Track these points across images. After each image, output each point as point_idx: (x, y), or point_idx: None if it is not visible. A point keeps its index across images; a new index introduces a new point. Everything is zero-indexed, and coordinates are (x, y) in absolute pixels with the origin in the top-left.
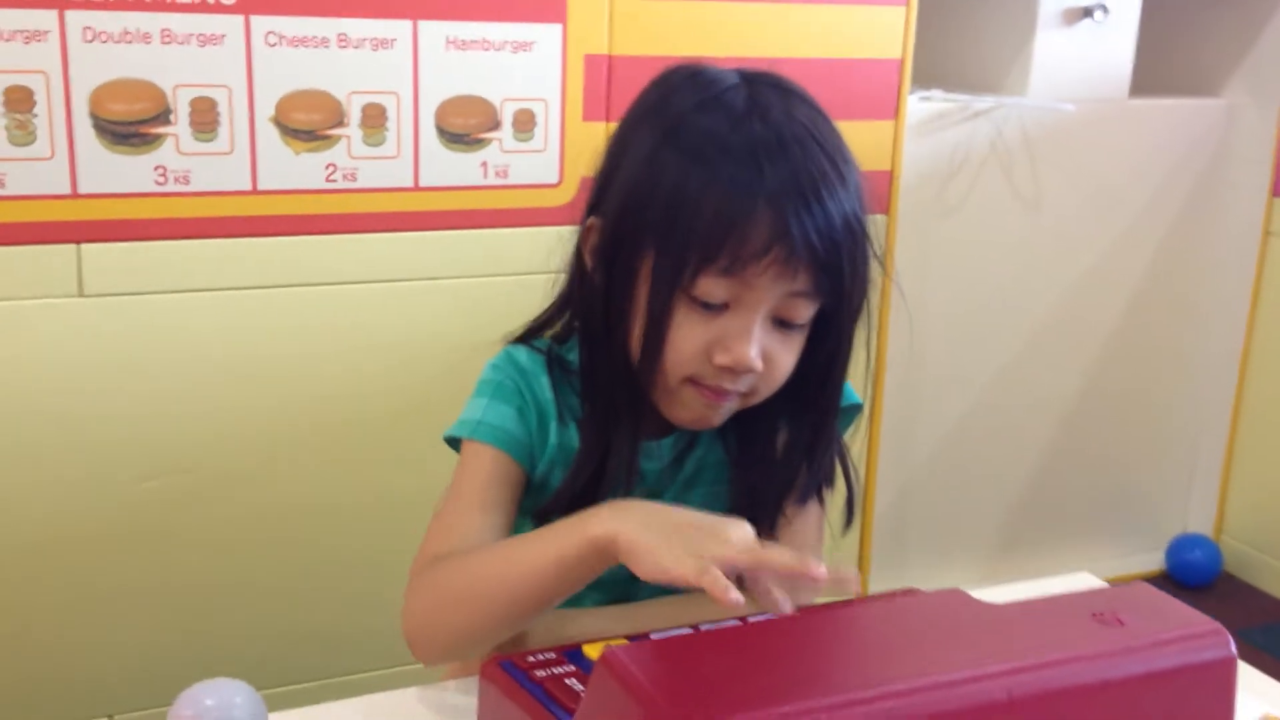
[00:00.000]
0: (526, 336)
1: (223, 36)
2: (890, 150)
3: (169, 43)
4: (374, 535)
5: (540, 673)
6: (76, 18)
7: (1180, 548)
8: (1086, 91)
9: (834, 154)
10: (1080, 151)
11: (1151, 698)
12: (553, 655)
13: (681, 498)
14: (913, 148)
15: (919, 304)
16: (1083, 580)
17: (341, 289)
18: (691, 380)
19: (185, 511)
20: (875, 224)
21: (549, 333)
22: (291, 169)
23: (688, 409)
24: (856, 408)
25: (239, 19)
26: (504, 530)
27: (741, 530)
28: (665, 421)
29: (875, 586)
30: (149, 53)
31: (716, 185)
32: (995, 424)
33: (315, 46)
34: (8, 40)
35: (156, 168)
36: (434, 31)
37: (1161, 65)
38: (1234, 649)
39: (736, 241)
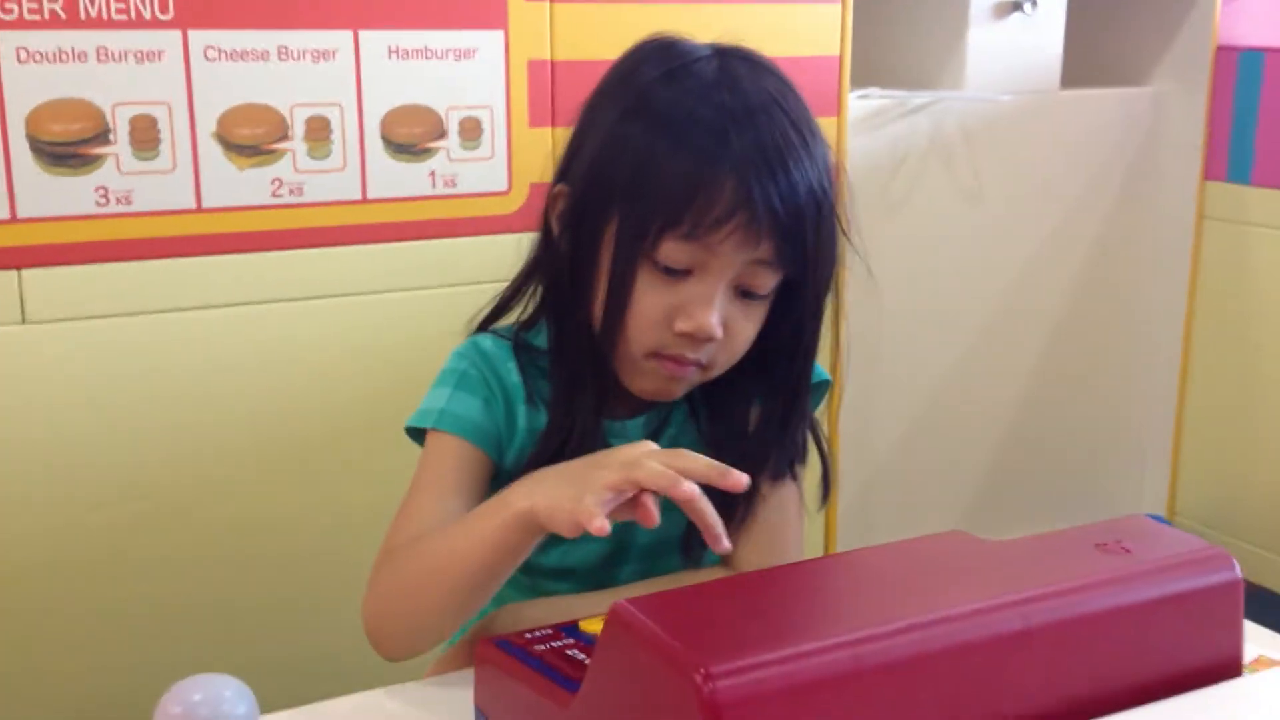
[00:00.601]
0: (491, 319)
1: (161, 53)
2: (832, 147)
3: (105, 60)
4: (333, 552)
5: (540, 647)
6: (9, 38)
7: None
8: (1019, 84)
9: (800, 124)
10: (1017, 143)
11: (1166, 620)
12: (549, 631)
13: None
14: (854, 144)
15: (867, 299)
16: None
17: (291, 305)
18: (653, 352)
19: (139, 537)
20: (843, 199)
21: (516, 317)
22: (236, 185)
23: (648, 379)
24: (826, 384)
25: (176, 34)
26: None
27: (631, 451)
28: (636, 402)
29: None
30: (85, 71)
31: (682, 151)
32: (949, 413)
33: (255, 60)
34: None
35: (98, 189)
36: (375, 41)
37: (1090, 56)
38: (1239, 571)
39: (700, 207)
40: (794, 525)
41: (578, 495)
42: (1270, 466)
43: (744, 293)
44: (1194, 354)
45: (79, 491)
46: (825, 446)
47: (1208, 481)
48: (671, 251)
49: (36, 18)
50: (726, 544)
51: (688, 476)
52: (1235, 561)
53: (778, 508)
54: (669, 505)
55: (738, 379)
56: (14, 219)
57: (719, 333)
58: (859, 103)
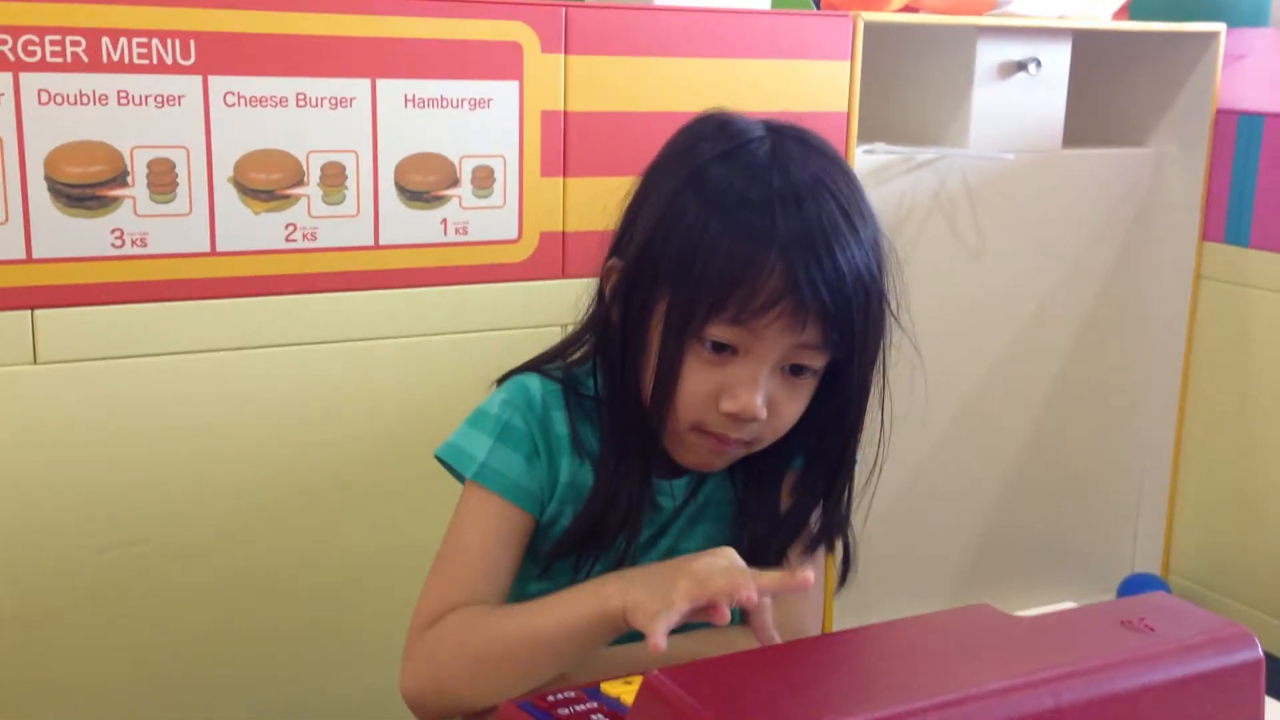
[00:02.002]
0: (538, 363)
1: (181, 97)
2: None
3: (125, 104)
4: (338, 601)
5: (564, 710)
6: (31, 80)
7: (1130, 587)
8: (1022, 143)
9: (848, 207)
10: (1018, 201)
11: (1192, 699)
12: (572, 694)
13: (686, 532)
14: None
15: None
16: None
17: (302, 349)
18: (697, 427)
19: (145, 580)
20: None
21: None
22: (251, 229)
23: (693, 453)
24: None
25: (197, 79)
26: (508, 586)
27: (713, 563)
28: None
29: (838, 624)
30: (105, 114)
31: (731, 233)
32: (947, 469)
33: (274, 106)
34: None
35: (113, 230)
36: (392, 90)
37: (1092, 116)
38: (1260, 651)
39: (746, 292)
40: (815, 594)
41: (658, 601)
42: (1265, 527)
43: (791, 369)
44: (1190, 412)
45: (85, 532)
46: (850, 531)
47: (1202, 541)
48: (719, 331)
49: (59, 60)
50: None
51: (761, 589)
52: (1256, 640)
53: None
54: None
55: (779, 449)
56: (29, 259)
57: (763, 414)
58: (865, 158)
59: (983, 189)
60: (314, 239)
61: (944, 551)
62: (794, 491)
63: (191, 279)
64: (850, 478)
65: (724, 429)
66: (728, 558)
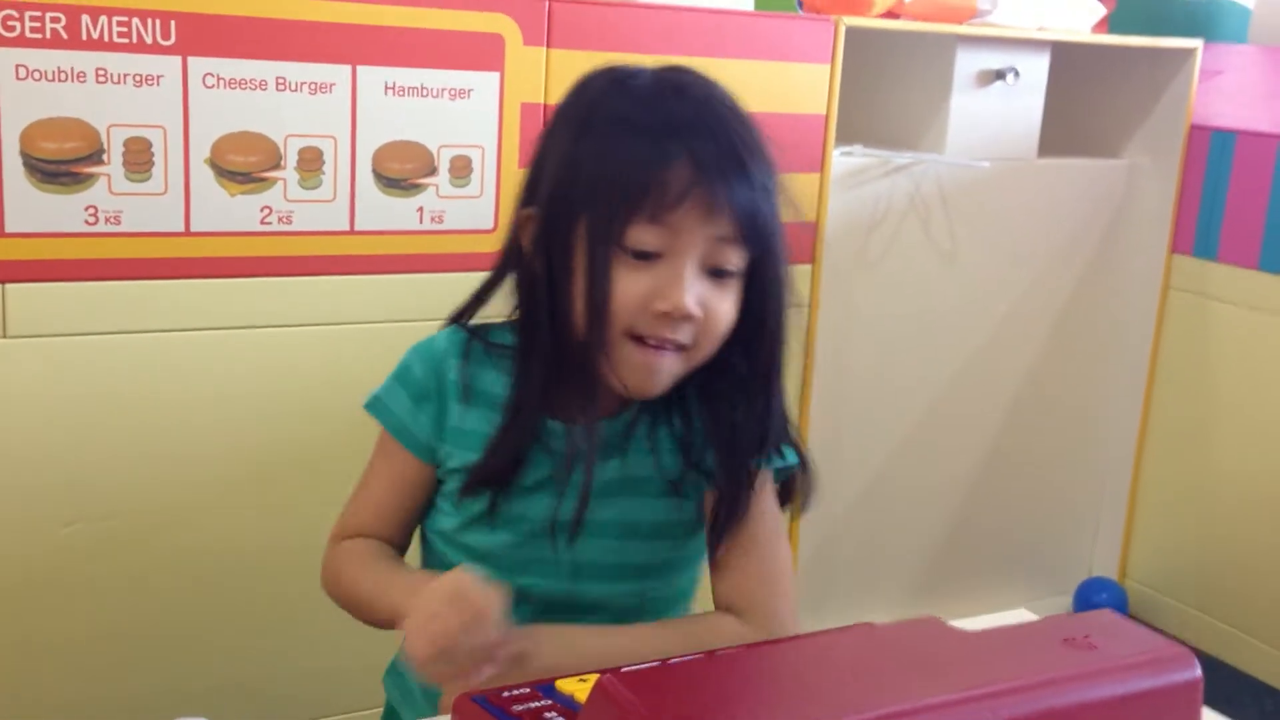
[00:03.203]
0: (455, 317)
1: (160, 77)
2: (815, 203)
3: (104, 82)
4: (300, 579)
5: (519, 707)
6: (9, 55)
7: (1087, 590)
8: (998, 150)
9: (740, 113)
10: (993, 207)
11: (1130, 716)
12: (526, 690)
13: (605, 467)
14: (835, 201)
15: (840, 352)
16: (1019, 616)
17: (274, 332)
18: (632, 336)
19: (110, 555)
20: (797, 273)
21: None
22: (226, 211)
23: (630, 370)
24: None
25: (177, 60)
26: (399, 521)
27: (426, 610)
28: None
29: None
30: (83, 91)
31: (635, 140)
32: (912, 470)
33: (253, 89)
34: None
35: (87, 208)
36: (373, 77)
37: (1068, 127)
38: (1199, 671)
39: (658, 189)
40: (782, 573)
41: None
42: (1222, 534)
43: (714, 272)
44: (1152, 420)
45: (52, 507)
46: (807, 455)
47: (1159, 545)
48: (639, 235)
49: (38, 36)
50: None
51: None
52: (1196, 661)
53: (769, 558)
54: (629, 534)
55: (718, 371)
56: (2, 234)
57: (695, 310)
58: (841, 160)
59: (957, 195)
60: (289, 222)
61: (906, 551)
62: (737, 406)
63: (165, 258)
64: (781, 381)
65: (658, 330)
66: (446, 595)
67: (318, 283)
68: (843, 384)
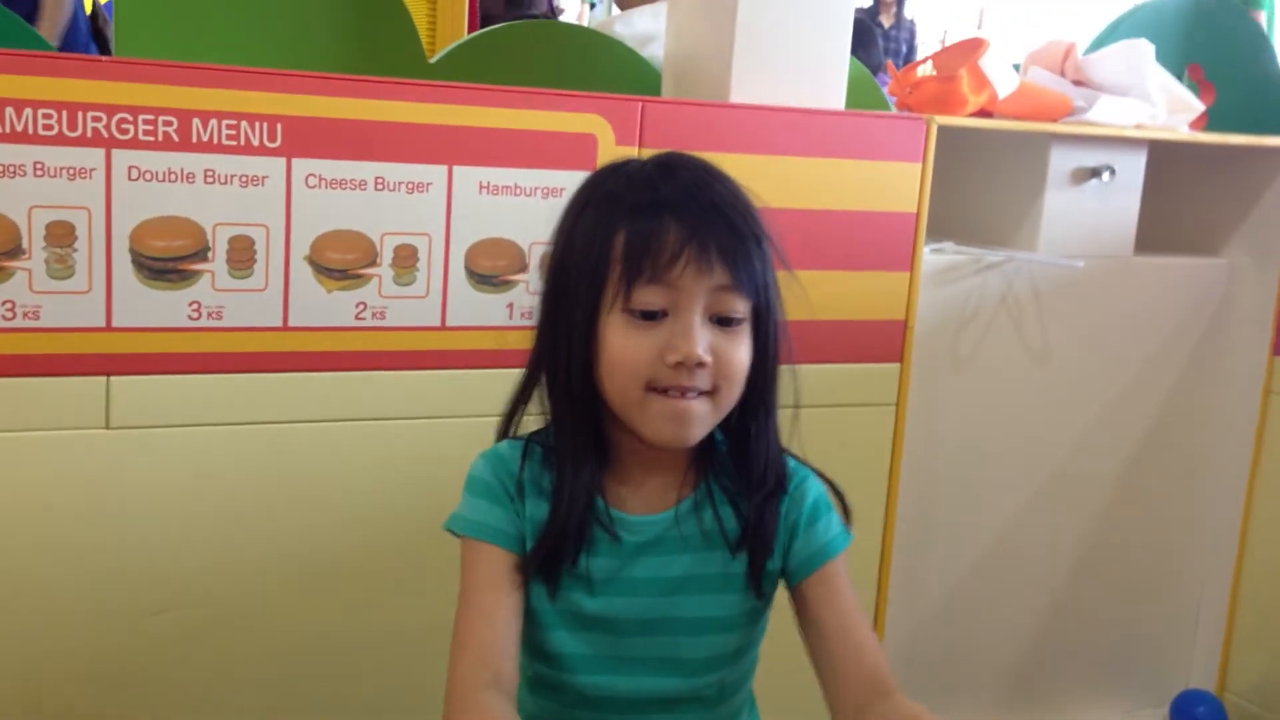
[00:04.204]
0: (507, 422)
1: (265, 178)
2: (905, 301)
3: (212, 182)
4: (392, 669)
5: None
6: (122, 156)
7: (1184, 703)
8: (1093, 248)
9: (728, 186)
10: (1086, 306)
11: None
12: None
13: (660, 561)
14: (925, 299)
15: (930, 452)
16: None
17: (367, 425)
18: (652, 388)
19: (197, 646)
20: (885, 372)
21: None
22: (323, 306)
23: (660, 418)
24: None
25: (281, 161)
26: (508, 621)
27: None
28: (649, 500)
29: None
30: (191, 192)
31: (629, 218)
32: (1002, 574)
33: (353, 189)
34: (53, 177)
35: (191, 303)
36: (468, 176)
37: (1165, 224)
38: None
39: (654, 253)
40: (848, 591)
41: None
42: None
43: (720, 321)
44: (1253, 529)
45: (142, 595)
46: (832, 482)
47: (1261, 658)
48: (643, 296)
49: (150, 139)
50: None
51: None
52: None
53: (838, 591)
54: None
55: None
56: (109, 328)
57: (705, 355)
58: (932, 257)
59: (1051, 293)
60: (383, 318)
61: (994, 658)
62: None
63: (264, 352)
64: (773, 414)
65: (676, 380)
66: None
67: (410, 377)
68: (930, 485)
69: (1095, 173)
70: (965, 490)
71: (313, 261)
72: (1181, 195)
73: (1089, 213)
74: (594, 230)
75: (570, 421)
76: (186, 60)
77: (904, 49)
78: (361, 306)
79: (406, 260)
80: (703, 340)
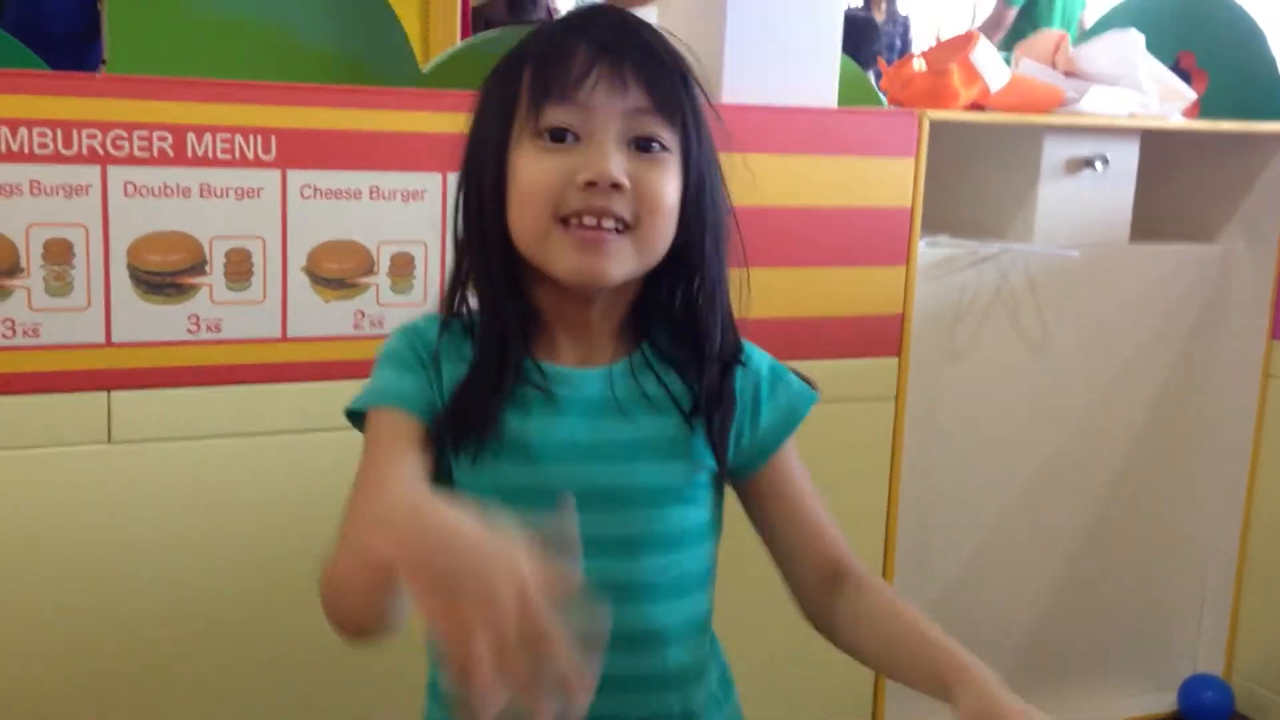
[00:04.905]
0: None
1: (260, 190)
2: (901, 295)
3: (208, 196)
4: (397, 679)
5: None
6: (118, 173)
7: (1192, 688)
8: (1088, 237)
9: (648, 24)
10: (1083, 295)
11: None
12: None
13: (604, 425)
14: (922, 292)
15: (930, 444)
16: None
17: None
18: (562, 216)
19: (199, 658)
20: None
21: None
22: (321, 317)
23: (569, 253)
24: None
25: (276, 173)
26: (420, 468)
27: (511, 585)
28: (581, 357)
29: (890, 711)
30: (187, 206)
31: (539, 41)
32: (1006, 563)
33: (348, 199)
34: (50, 195)
35: (190, 316)
36: None
37: (1160, 212)
38: None
39: (561, 71)
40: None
41: (449, 624)
42: None
43: (640, 145)
44: (1256, 509)
45: (146, 607)
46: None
47: (1267, 641)
48: (551, 116)
49: (146, 155)
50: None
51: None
52: None
53: (801, 472)
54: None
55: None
56: (108, 343)
57: (620, 178)
58: (928, 250)
59: (1047, 283)
60: (382, 326)
61: (1000, 647)
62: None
63: (263, 363)
64: (723, 276)
65: (589, 203)
66: (514, 583)
67: None
68: (931, 477)
69: (1089, 162)
70: (966, 481)
71: (310, 272)
72: (1176, 182)
73: (1083, 202)
74: (502, 69)
75: (488, 272)
76: (179, 75)
77: (897, 43)
78: (360, 315)
79: (403, 268)
80: (617, 161)
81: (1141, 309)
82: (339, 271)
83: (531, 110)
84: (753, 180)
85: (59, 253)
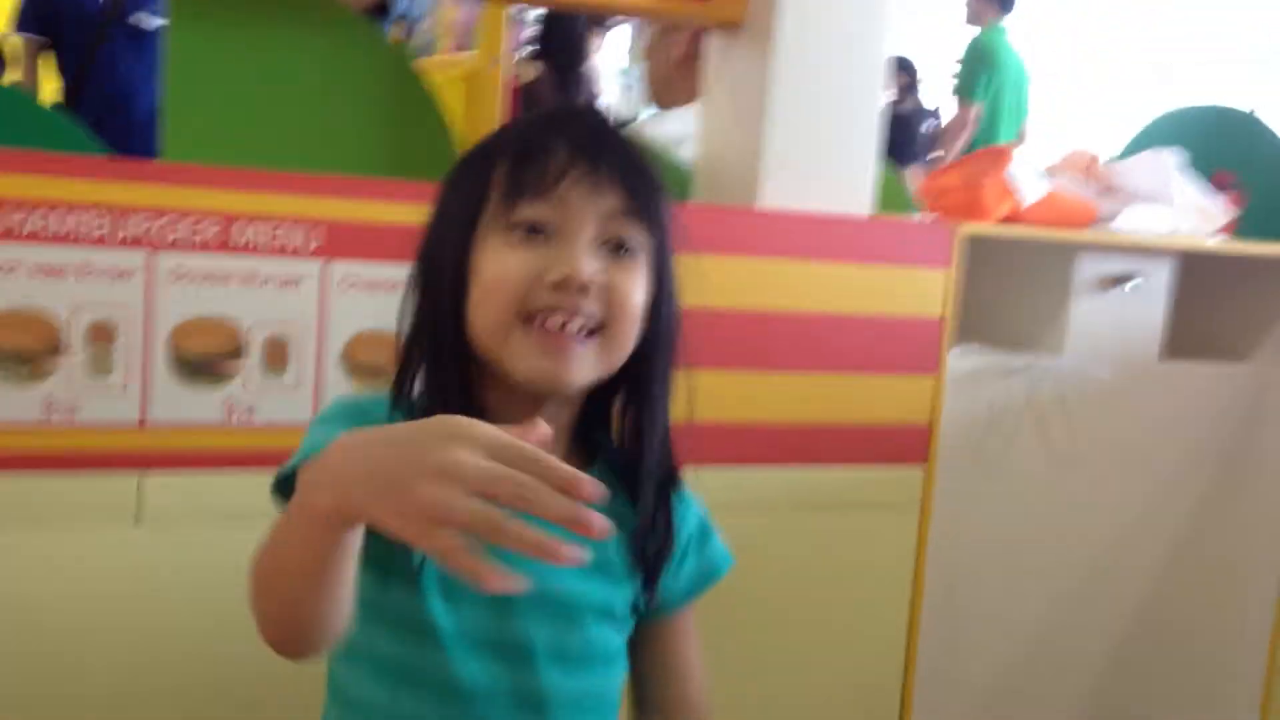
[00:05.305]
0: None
1: (302, 279)
2: (930, 404)
3: (250, 284)
4: None
5: None
6: (166, 259)
7: None
8: (1119, 354)
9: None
10: (1113, 411)
11: None
12: None
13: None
14: (952, 402)
15: (956, 556)
16: None
17: None
18: (527, 315)
19: None
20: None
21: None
22: None
23: (531, 354)
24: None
25: (318, 263)
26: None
27: (460, 449)
28: None
29: None
30: (230, 293)
31: (512, 139)
32: (1032, 680)
33: (387, 290)
34: (97, 278)
35: (225, 401)
36: None
37: (1194, 331)
38: None
39: (539, 167)
40: (693, 640)
41: (407, 514)
42: None
43: (615, 248)
44: None
45: (174, 692)
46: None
47: None
48: (526, 210)
49: (192, 241)
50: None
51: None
52: None
53: (695, 634)
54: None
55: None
56: (143, 424)
57: (592, 278)
58: (958, 361)
59: (1077, 399)
60: None
61: None
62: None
63: (293, 448)
64: (668, 391)
65: (556, 307)
66: (470, 433)
67: None
68: (956, 590)
69: (1121, 280)
70: (991, 593)
71: (345, 359)
72: (1210, 302)
73: (1115, 319)
74: (471, 167)
75: (436, 371)
76: (229, 163)
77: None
78: None
79: None
80: (590, 262)
81: (1173, 427)
82: (372, 361)
83: (504, 204)
84: (787, 285)
85: (101, 334)
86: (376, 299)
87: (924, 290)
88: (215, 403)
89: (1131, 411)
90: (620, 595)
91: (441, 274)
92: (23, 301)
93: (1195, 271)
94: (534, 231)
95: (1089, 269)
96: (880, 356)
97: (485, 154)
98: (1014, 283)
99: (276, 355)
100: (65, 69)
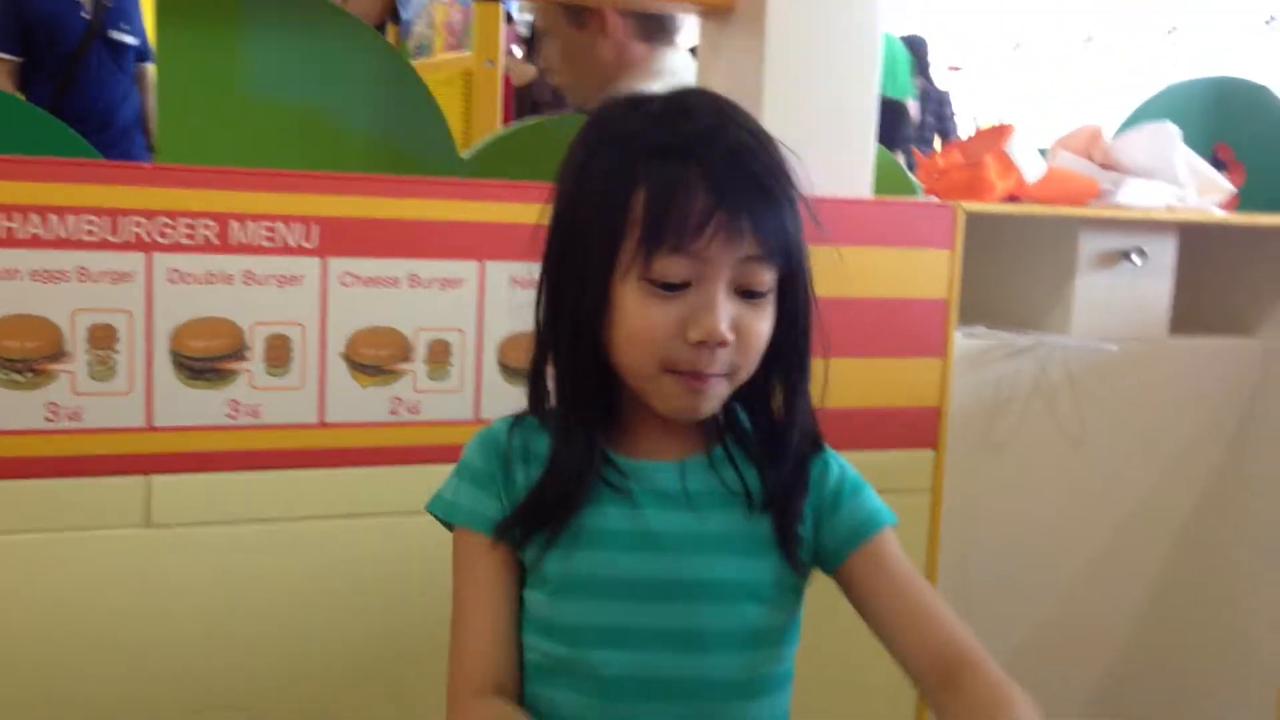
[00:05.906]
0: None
1: (301, 277)
2: (938, 387)
3: (250, 283)
4: None
5: None
6: (163, 260)
7: None
8: (1126, 330)
9: (752, 127)
10: (1121, 388)
11: None
12: None
13: (667, 517)
14: (958, 384)
15: (967, 538)
16: None
17: (403, 519)
18: (669, 367)
19: None
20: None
21: None
22: (358, 402)
23: (672, 398)
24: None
25: (317, 260)
26: (505, 609)
27: None
28: (658, 450)
29: None
30: (230, 293)
31: (648, 168)
32: (1044, 660)
33: (387, 286)
34: (95, 281)
35: (229, 401)
36: (500, 271)
37: (1199, 306)
38: None
39: (679, 220)
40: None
41: None
42: None
43: (746, 293)
44: None
45: (183, 694)
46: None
47: None
48: (665, 268)
49: (190, 242)
50: None
51: None
52: None
53: (899, 565)
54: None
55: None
56: (149, 428)
57: (729, 335)
58: (964, 342)
59: (1084, 376)
60: (418, 412)
61: None
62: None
63: (300, 449)
64: (806, 382)
65: (695, 362)
66: None
67: (444, 470)
68: (967, 572)
69: (1126, 255)
70: (1004, 575)
71: (348, 358)
72: (1214, 276)
73: (1121, 295)
74: (607, 181)
75: (572, 384)
76: (225, 162)
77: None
78: (396, 402)
79: (440, 355)
80: (726, 316)
81: (1181, 403)
82: (376, 358)
83: (643, 252)
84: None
85: (103, 338)
86: (375, 294)
87: (927, 271)
88: (219, 403)
89: (1140, 388)
90: (761, 569)
91: (580, 299)
92: (23, 307)
93: (1199, 245)
94: (671, 287)
95: (1092, 245)
96: (885, 340)
97: (623, 174)
98: (1018, 261)
99: (279, 354)
100: (40, 87)
